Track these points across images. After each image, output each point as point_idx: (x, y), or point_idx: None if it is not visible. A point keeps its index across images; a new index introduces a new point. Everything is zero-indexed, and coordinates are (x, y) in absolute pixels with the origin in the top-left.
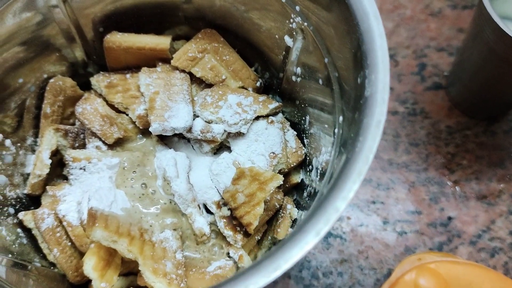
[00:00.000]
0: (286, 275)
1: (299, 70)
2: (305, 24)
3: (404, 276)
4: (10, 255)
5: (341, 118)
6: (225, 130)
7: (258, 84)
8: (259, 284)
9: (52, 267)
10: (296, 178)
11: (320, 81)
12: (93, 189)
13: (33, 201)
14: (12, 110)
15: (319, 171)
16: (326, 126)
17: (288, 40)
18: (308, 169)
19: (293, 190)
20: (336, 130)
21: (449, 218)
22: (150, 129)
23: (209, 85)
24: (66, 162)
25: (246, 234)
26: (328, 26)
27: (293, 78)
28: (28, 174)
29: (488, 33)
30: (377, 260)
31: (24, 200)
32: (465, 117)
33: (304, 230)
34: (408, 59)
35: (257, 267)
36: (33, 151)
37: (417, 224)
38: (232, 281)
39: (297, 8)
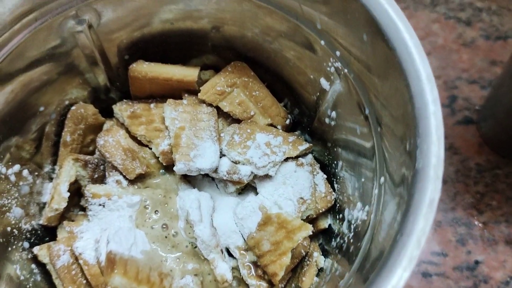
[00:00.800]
0: None
1: (334, 114)
2: (345, 70)
3: None
4: None
5: (382, 179)
6: (252, 172)
7: (287, 121)
8: None
9: None
10: (324, 223)
11: (358, 131)
12: (112, 230)
13: (48, 232)
14: (32, 133)
15: (352, 227)
16: (363, 180)
17: (324, 83)
18: (338, 217)
19: (319, 234)
20: (376, 191)
21: (476, 262)
22: (174, 169)
23: (236, 120)
24: (86, 198)
25: (270, 283)
26: (372, 78)
27: (327, 120)
28: (44, 203)
29: None
30: None
31: (39, 232)
32: (496, 155)
33: None
34: (439, 90)
35: None
36: (51, 179)
37: (442, 266)
38: None
39: (337, 53)
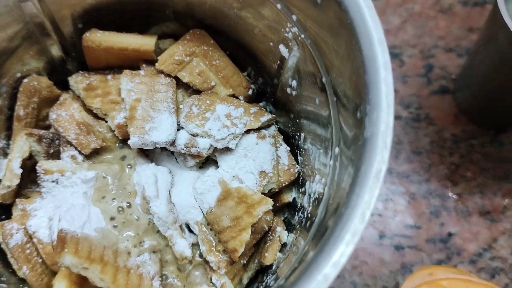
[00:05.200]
0: None
1: (294, 83)
2: (302, 36)
3: None
4: None
5: (337, 149)
6: (211, 145)
7: (250, 92)
8: None
9: (21, 285)
10: (288, 197)
11: (317, 101)
12: (64, 207)
13: (4, 210)
14: None
15: (311, 200)
16: (321, 151)
17: (283, 50)
18: (301, 190)
19: (284, 208)
20: (331, 162)
21: (449, 234)
22: (129, 142)
23: (197, 91)
24: (38, 175)
25: (231, 260)
26: (327, 42)
27: (288, 90)
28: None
29: (502, 40)
30: (371, 276)
31: None
32: (471, 125)
33: None
34: (415, 59)
35: None
36: (5, 154)
37: (416, 239)
38: None
39: (294, 17)
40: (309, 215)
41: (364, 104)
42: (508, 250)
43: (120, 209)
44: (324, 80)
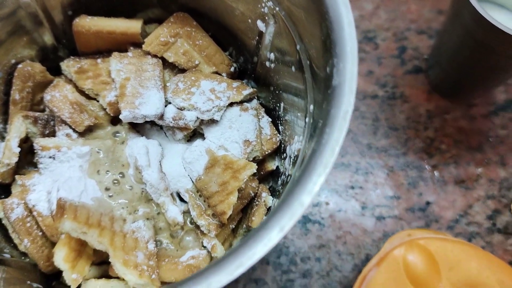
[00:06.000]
0: (265, 261)
1: (272, 55)
2: (277, 9)
3: (393, 251)
4: None
5: (311, 107)
6: (197, 117)
7: (232, 69)
8: (222, 282)
9: (23, 257)
10: (271, 165)
11: (293, 68)
12: (62, 179)
13: (3, 190)
14: None
15: (291, 160)
16: (299, 114)
17: (260, 24)
18: (282, 157)
19: (268, 177)
20: (307, 119)
21: (427, 203)
22: (120, 117)
23: (182, 70)
24: (35, 151)
25: (220, 223)
26: (299, 12)
27: (267, 63)
28: None
29: (466, 16)
30: (355, 245)
31: None
32: (444, 101)
33: (268, 226)
34: (388, 42)
35: (220, 265)
36: (3, 138)
37: (396, 209)
38: (194, 279)
39: None
40: (289, 175)
41: (332, 58)
42: (483, 215)
43: (114, 180)
44: (298, 47)
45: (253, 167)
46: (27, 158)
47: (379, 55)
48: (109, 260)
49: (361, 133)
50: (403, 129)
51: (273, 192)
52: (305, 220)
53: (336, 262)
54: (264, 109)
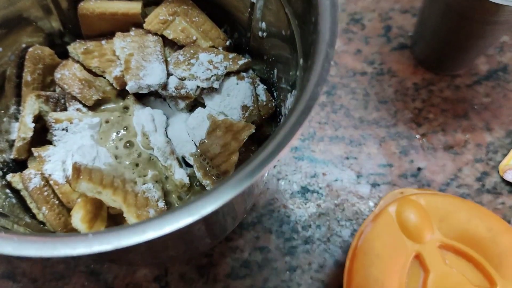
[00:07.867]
0: (268, 230)
1: (264, 25)
2: None
3: (387, 207)
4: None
5: (301, 60)
6: (198, 86)
7: (227, 43)
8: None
9: (42, 225)
10: (269, 130)
11: (283, 32)
12: (75, 147)
13: (20, 166)
14: None
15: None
16: (291, 73)
17: None
18: (278, 120)
19: None
20: (297, 73)
21: (419, 169)
22: (126, 88)
23: (182, 47)
24: (49, 124)
25: None
26: None
27: (260, 33)
28: (13, 141)
29: None
30: (353, 212)
31: (11, 165)
32: (430, 74)
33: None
34: (374, 22)
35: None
36: (17, 119)
37: (389, 176)
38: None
39: None
40: None
41: (316, 16)
42: (472, 178)
43: (123, 147)
44: (286, 10)
45: (252, 128)
46: (41, 137)
47: (366, 35)
48: (123, 215)
49: (353, 108)
50: (392, 102)
51: None
52: (304, 190)
53: (336, 228)
54: (259, 78)
